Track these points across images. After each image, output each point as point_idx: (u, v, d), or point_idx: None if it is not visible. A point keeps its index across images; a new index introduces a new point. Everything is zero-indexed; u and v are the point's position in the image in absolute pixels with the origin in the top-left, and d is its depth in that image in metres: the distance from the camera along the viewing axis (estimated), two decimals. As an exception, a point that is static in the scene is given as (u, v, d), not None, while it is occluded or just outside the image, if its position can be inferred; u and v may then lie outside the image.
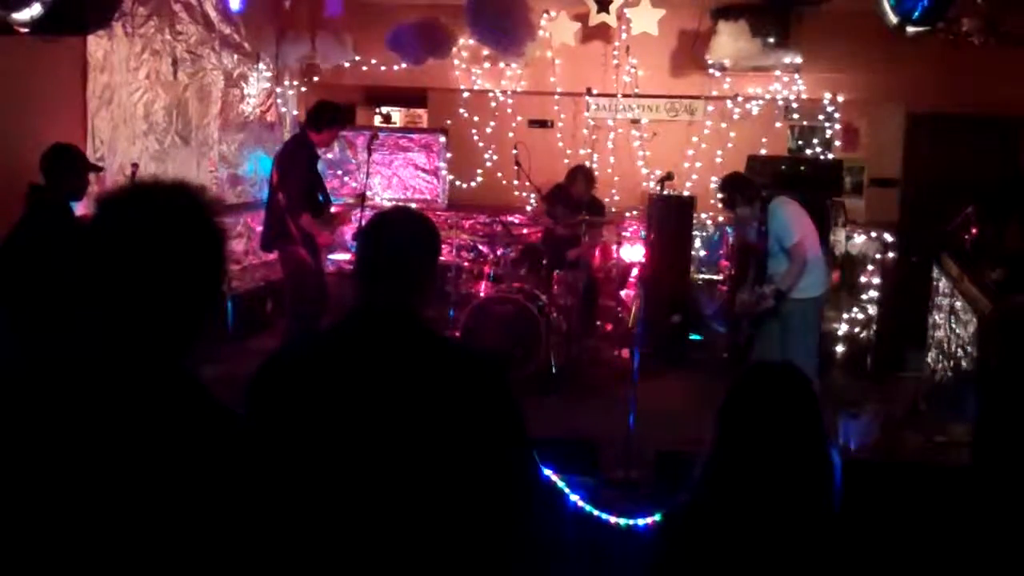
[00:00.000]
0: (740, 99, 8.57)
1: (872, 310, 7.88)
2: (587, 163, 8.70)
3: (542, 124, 9.01)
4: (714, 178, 8.62)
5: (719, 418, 2.17)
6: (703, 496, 2.15)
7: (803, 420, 2.12)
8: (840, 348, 7.68)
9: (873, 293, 7.89)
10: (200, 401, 1.55)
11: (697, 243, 8.49)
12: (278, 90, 8.78)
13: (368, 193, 7.32)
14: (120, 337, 1.52)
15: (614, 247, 8.11)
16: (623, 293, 8.27)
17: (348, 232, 8.13)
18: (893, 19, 5.42)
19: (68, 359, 1.53)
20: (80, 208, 4.59)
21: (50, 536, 1.42)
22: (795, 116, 8.55)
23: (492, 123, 8.99)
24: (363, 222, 5.37)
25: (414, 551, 1.96)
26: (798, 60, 8.24)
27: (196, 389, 1.56)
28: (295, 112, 9.11)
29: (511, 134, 8.71)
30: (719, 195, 5.67)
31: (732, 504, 2.08)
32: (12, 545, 1.42)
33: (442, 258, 8.44)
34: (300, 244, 6.15)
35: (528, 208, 8.45)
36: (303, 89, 9.15)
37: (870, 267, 7.99)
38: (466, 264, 7.78)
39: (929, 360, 6.78)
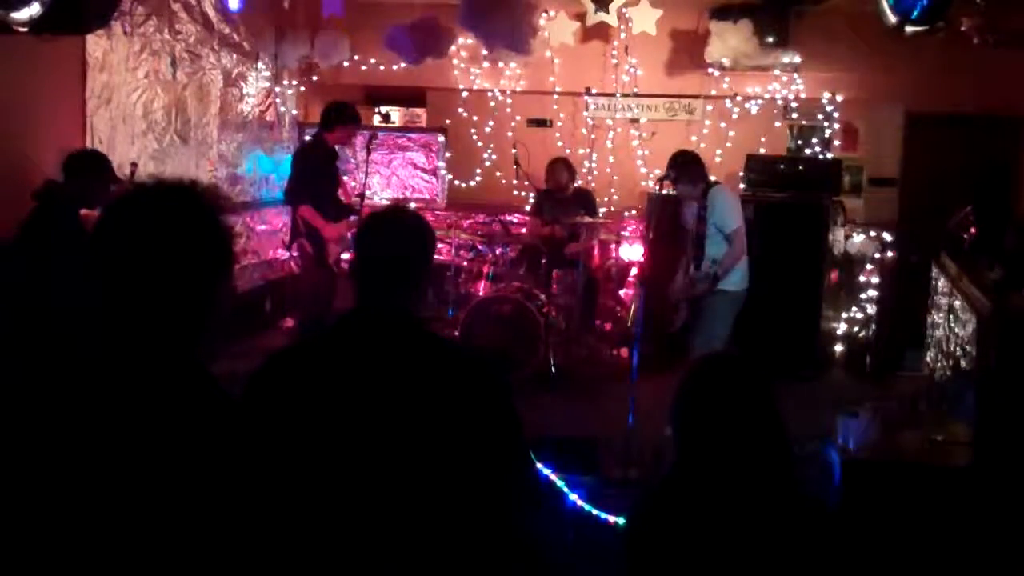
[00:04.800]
0: (739, 99, 8.57)
1: (871, 309, 7.88)
2: (586, 162, 8.71)
3: (541, 123, 9.00)
4: (713, 178, 8.63)
5: (675, 412, 2.17)
6: (667, 489, 2.16)
7: (756, 406, 2.13)
8: (839, 348, 7.69)
9: (872, 293, 7.90)
10: (208, 395, 1.58)
11: (696, 243, 8.48)
12: (277, 89, 8.77)
13: (367, 193, 7.32)
14: (129, 332, 1.55)
15: (613, 246, 8.11)
16: (622, 292, 8.27)
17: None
18: (892, 19, 5.42)
19: (77, 355, 1.55)
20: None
21: (55, 526, 1.44)
22: (794, 116, 8.55)
23: (491, 122, 8.99)
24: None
25: (409, 551, 1.96)
26: (797, 60, 8.24)
27: (206, 382, 1.59)
28: (294, 112, 9.11)
29: (510, 133, 8.71)
30: (666, 170, 5.69)
31: (695, 494, 2.09)
32: (19, 535, 1.44)
33: (441, 258, 8.55)
34: (304, 237, 6.23)
35: (527, 207, 8.44)
36: (302, 89, 9.15)
37: (869, 267, 8.00)
38: (465, 263, 7.78)
39: (928, 359, 6.78)
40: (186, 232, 1.58)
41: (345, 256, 6.42)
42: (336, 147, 6.62)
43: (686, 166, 5.63)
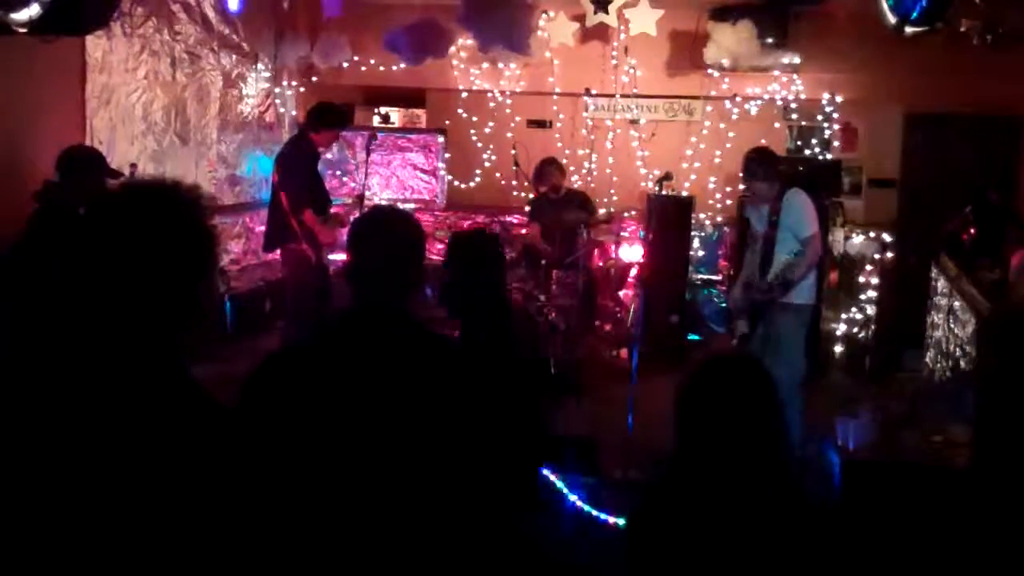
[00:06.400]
0: (739, 99, 8.57)
1: (871, 310, 7.88)
2: (585, 163, 8.71)
3: (541, 124, 9.01)
4: (713, 178, 8.66)
5: (677, 409, 2.18)
6: (666, 486, 2.17)
7: (759, 408, 2.14)
8: (839, 348, 7.69)
9: (872, 293, 7.90)
10: (190, 397, 1.57)
11: (696, 243, 8.49)
12: (276, 90, 8.78)
13: (367, 193, 7.32)
14: (110, 333, 1.55)
15: (612, 247, 8.11)
16: (622, 293, 8.27)
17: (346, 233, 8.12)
18: (892, 19, 5.41)
19: (60, 355, 1.55)
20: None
21: (42, 529, 1.44)
22: (794, 116, 8.55)
23: (491, 123, 8.99)
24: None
25: (408, 550, 1.96)
26: (796, 60, 8.24)
27: (187, 385, 1.58)
28: (293, 112, 9.10)
29: (510, 134, 8.71)
30: (745, 165, 5.41)
31: (693, 492, 2.10)
32: (5, 537, 1.44)
33: (441, 258, 8.48)
34: (303, 241, 6.20)
35: (527, 209, 8.42)
36: (301, 89, 9.14)
37: (868, 267, 8.00)
38: (465, 264, 7.76)
39: (927, 360, 6.78)
40: (164, 232, 1.58)
41: (332, 257, 6.43)
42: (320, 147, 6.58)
43: (768, 164, 5.36)
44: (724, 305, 8.05)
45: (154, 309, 1.56)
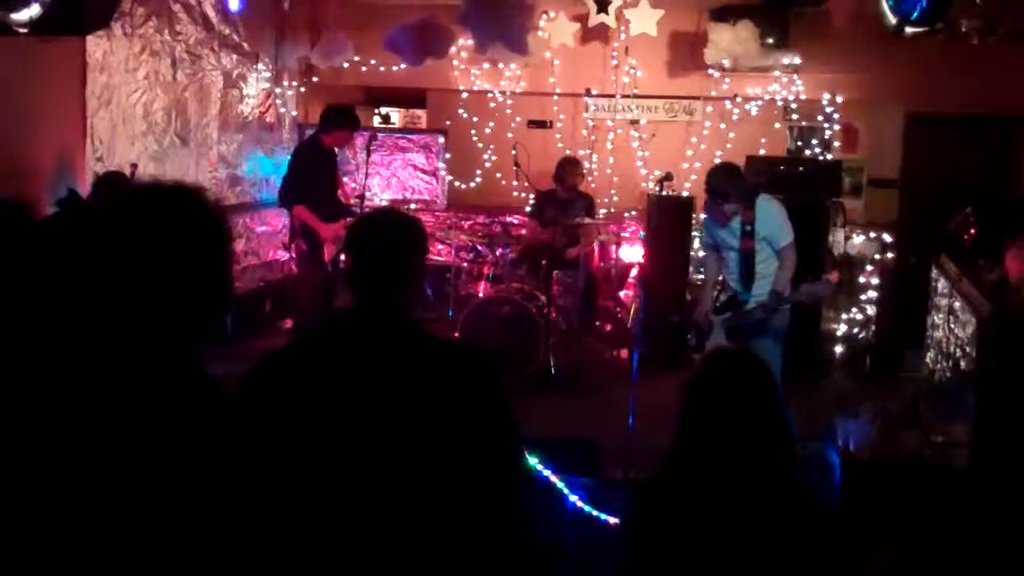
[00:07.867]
0: (739, 99, 8.57)
1: (871, 310, 7.88)
2: (586, 163, 8.71)
3: (541, 125, 9.01)
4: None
5: (681, 402, 2.19)
6: (664, 483, 2.18)
7: (761, 401, 2.14)
8: (839, 348, 7.69)
9: (872, 294, 7.90)
10: (204, 392, 1.59)
11: (696, 243, 8.48)
12: (277, 90, 8.78)
13: (367, 194, 7.33)
14: (129, 327, 1.57)
15: (613, 247, 8.11)
16: (622, 293, 8.27)
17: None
18: (892, 20, 5.42)
19: (77, 347, 1.56)
20: None
21: (48, 514, 1.45)
22: (794, 116, 8.55)
23: (491, 123, 8.99)
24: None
25: (401, 549, 1.96)
26: (797, 61, 8.24)
27: (204, 382, 1.60)
28: (294, 112, 9.11)
29: (510, 134, 8.70)
30: (714, 187, 4.98)
31: (694, 482, 2.10)
32: (10, 521, 1.45)
33: (441, 259, 8.52)
34: (299, 236, 6.25)
35: (527, 208, 8.43)
36: (302, 90, 9.15)
37: (869, 267, 8.00)
38: (465, 264, 7.79)
39: (928, 360, 6.78)
40: (187, 232, 1.61)
41: (344, 256, 6.43)
42: (334, 148, 6.63)
43: (738, 182, 5.02)
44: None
45: (182, 305, 1.60)
